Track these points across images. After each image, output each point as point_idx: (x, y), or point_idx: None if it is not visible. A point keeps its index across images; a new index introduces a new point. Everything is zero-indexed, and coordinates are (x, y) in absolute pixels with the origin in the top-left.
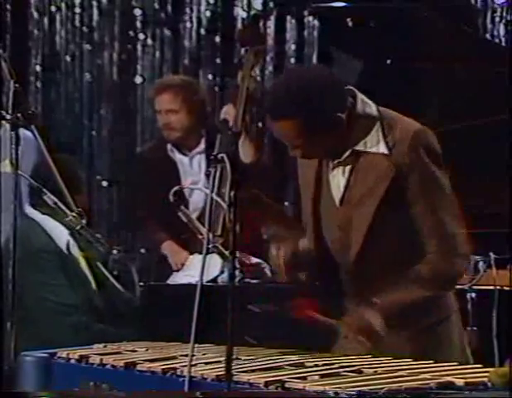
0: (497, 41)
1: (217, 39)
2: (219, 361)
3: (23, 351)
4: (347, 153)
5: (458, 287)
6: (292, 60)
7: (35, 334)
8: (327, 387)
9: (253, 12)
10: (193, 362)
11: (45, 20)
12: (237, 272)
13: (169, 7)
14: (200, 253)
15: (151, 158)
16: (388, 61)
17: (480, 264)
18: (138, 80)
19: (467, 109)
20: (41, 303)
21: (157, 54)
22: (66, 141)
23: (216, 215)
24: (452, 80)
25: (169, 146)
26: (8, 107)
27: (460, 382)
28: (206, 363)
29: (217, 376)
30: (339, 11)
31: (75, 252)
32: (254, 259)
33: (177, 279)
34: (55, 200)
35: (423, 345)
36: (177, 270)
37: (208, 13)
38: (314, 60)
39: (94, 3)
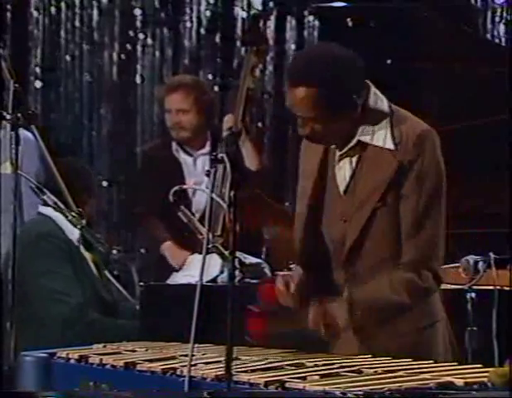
0: (497, 41)
1: (217, 39)
2: (219, 361)
3: (21, 334)
4: (353, 143)
5: (458, 287)
6: None
7: (32, 317)
8: (327, 387)
9: (254, 12)
10: (193, 362)
11: (46, 20)
12: (237, 272)
13: (169, 7)
14: (200, 253)
15: (155, 157)
16: (389, 61)
17: (480, 264)
18: (138, 79)
19: (467, 109)
20: (40, 287)
21: (157, 54)
22: (66, 141)
23: (216, 215)
24: (452, 80)
25: (174, 145)
26: (8, 107)
27: (460, 382)
28: (206, 363)
29: (217, 376)
30: (339, 11)
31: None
32: (254, 259)
33: (177, 279)
34: (55, 200)
35: (405, 350)
36: (177, 270)
37: (208, 13)
38: None
39: (94, 3)
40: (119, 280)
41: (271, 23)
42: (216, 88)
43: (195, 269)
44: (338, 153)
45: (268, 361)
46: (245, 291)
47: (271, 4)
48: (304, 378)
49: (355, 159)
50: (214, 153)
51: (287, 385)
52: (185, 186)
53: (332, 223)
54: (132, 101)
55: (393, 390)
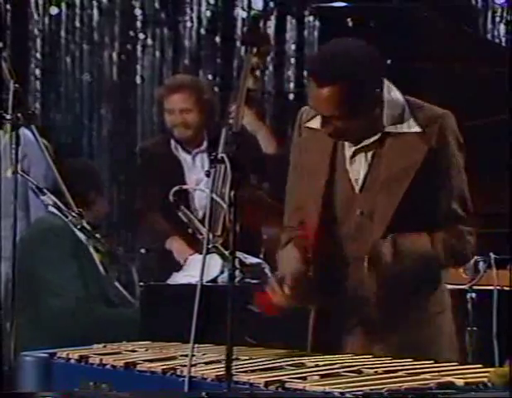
0: (497, 41)
1: (217, 39)
2: (219, 361)
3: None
4: (376, 136)
5: (457, 287)
6: (292, 61)
7: (37, 309)
8: (327, 387)
9: (254, 13)
10: (193, 362)
11: (46, 20)
12: (237, 272)
13: (169, 7)
14: (200, 253)
15: (154, 154)
16: (389, 61)
17: (480, 264)
18: (138, 79)
19: (467, 109)
20: (43, 280)
21: (157, 54)
22: (66, 141)
23: (217, 215)
24: (452, 80)
25: (173, 143)
26: (8, 107)
27: (460, 382)
28: (206, 363)
29: (217, 376)
30: (339, 11)
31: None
32: (255, 259)
33: (177, 279)
34: (55, 200)
35: (414, 336)
36: (177, 270)
37: (208, 13)
38: None
39: (94, 3)
40: (119, 280)
41: (271, 23)
42: (216, 88)
43: (195, 269)
44: (352, 149)
45: (268, 361)
46: (245, 291)
47: (271, 4)
48: (304, 378)
49: (370, 154)
50: (214, 153)
51: (287, 385)
52: (185, 187)
53: (347, 219)
54: (132, 101)
55: (393, 390)
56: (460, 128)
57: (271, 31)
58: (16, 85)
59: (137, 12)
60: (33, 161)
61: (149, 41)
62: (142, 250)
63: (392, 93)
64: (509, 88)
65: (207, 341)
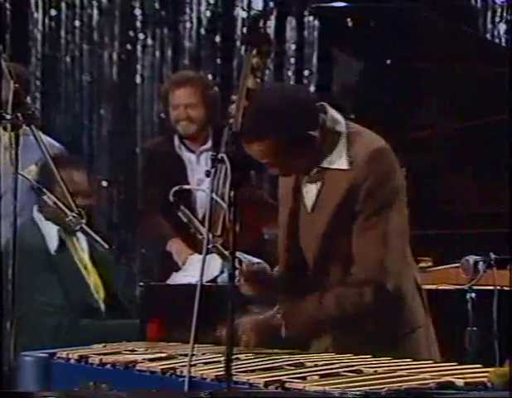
0: (497, 41)
1: (217, 39)
2: (219, 361)
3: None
4: (314, 171)
5: (458, 287)
6: (292, 60)
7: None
8: (327, 387)
9: (254, 12)
10: (193, 362)
11: (46, 20)
12: (237, 272)
13: (169, 7)
14: (201, 253)
15: (157, 154)
16: (388, 61)
17: (480, 264)
18: (138, 79)
19: (467, 109)
20: (27, 301)
21: (157, 54)
22: (66, 141)
23: (217, 215)
24: (452, 80)
25: (176, 142)
26: (8, 107)
27: (460, 382)
28: (206, 363)
29: (217, 376)
30: (339, 11)
31: (72, 252)
32: (255, 259)
33: (177, 279)
34: (55, 200)
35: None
36: (177, 270)
37: (208, 13)
38: (314, 60)
39: (94, 3)
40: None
41: (271, 23)
42: (216, 88)
43: (195, 269)
44: (303, 180)
45: (268, 361)
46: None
47: (271, 4)
48: (304, 378)
49: (319, 183)
50: (215, 153)
51: (287, 385)
52: (185, 187)
53: (306, 239)
54: (132, 101)
55: (393, 390)
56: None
57: (271, 31)
58: (16, 85)
59: (137, 12)
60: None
61: (149, 41)
62: (143, 250)
63: (336, 125)
64: (509, 88)
65: (207, 341)
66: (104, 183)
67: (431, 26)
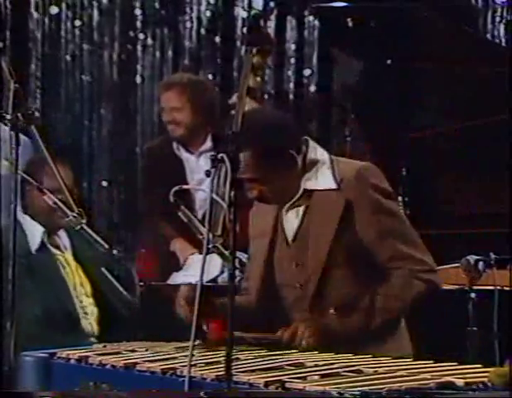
0: (497, 41)
1: (217, 39)
2: (219, 362)
3: None
4: (299, 193)
5: (458, 287)
6: (292, 60)
7: None
8: (327, 387)
9: (254, 12)
10: (193, 362)
11: (46, 20)
12: (237, 272)
13: (169, 7)
14: (201, 253)
15: (157, 155)
16: (389, 61)
17: (480, 264)
18: (138, 79)
19: (467, 109)
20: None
21: (157, 54)
22: (66, 141)
23: (217, 215)
24: (452, 80)
25: (175, 143)
26: (8, 107)
27: (460, 382)
28: (206, 363)
29: (217, 376)
30: (339, 11)
31: (51, 252)
32: None
33: (177, 279)
34: (55, 200)
35: None
36: (177, 270)
37: (208, 13)
38: (314, 60)
39: (94, 3)
40: (119, 280)
41: (271, 23)
42: (216, 88)
43: (195, 269)
44: (286, 206)
45: (268, 361)
46: None
47: (271, 4)
48: (304, 378)
49: (301, 209)
50: (215, 153)
51: (287, 385)
52: (185, 187)
53: (283, 270)
54: (132, 101)
55: (393, 390)
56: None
57: (271, 31)
58: (16, 85)
59: (137, 12)
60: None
61: (149, 41)
62: (142, 250)
63: (318, 154)
64: (509, 88)
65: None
66: (104, 183)
67: (431, 26)
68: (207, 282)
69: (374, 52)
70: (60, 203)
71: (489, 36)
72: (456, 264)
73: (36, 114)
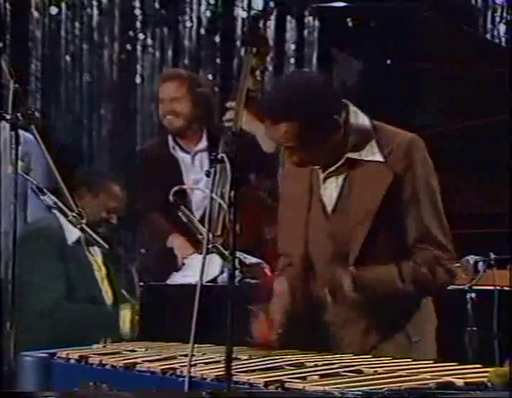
0: (497, 41)
1: (217, 39)
2: (219, 361)
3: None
4: (341, 161)
5: (458, 287)
6: (292, 60)
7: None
8: (327, 387)
9: (254, 12)
10: (193, 362)
11: (46, 20)
12: (237, 272)
13: (169, 7)
14: (200, 253)
15: (153, 155)
16: (389, 61)
17: (480, 264)
18: (138, 79)
19: (467, 109)
20: (27, 283)
21: (157, 54)
22: (66, 141)
23: (216, 215)
24: (452, 80)
25: (171, 143)
26: (8, 107)
27: (460, 382)
28: (206, 363)
29: (217, 376)
30: (339, 11)
31: (87, 251)
32: (254, 259)
33: (177, 279)
34: (55, 200)
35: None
36: (177, 270)
37: (208, 13)
38: (314, 60)
39: (94, 3)
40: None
41: (271, 23)
42: (216, 88)
43: (195, 270)
44: (323, 174)
45: (268, 361)
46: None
47: (271, 4)
48: (304, 378)
49: (341, 178)
50: (214, 153)
51: (287, 385)
52: (184, 187)
53: (319, 243)
54: (132, 101)
55: (393, 390)
56: (429, 150)
57: (271, 31)
58: (16, 85)
59: (137, 12)
60: (34, 159)
61: (149, 41)
62: (142, 250)
63: (358, 118)
64: (509, 88)
65: (207, 341)
66: None
67: (431, 26)
68: (207, 282)
69: (374, 52)
70: (59, 203)
71: (489, 36)
72: (457, 264)
73: (36, 113)
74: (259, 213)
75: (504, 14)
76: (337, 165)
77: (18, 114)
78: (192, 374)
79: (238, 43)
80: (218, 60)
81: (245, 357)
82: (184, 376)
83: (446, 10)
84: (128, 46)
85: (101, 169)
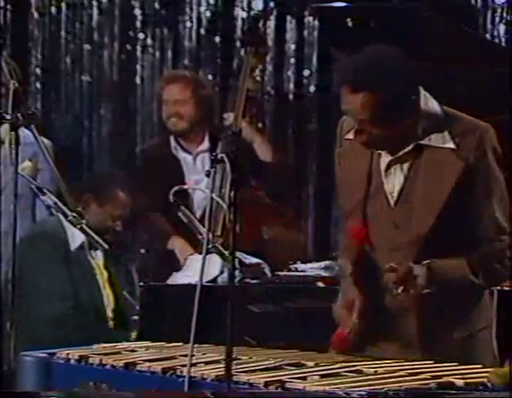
0: (497, 41)
1: (217, 39)
2: (219, 361)
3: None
4: (410, 147)
5: None
6: (292, 60)
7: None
8: (327, 387)
9: (254, 12)
10: (193, 362)
11: (46, 20)
12: (237, 272)
13: (169, 7)
14: (200, 253)
15: (154, 156)
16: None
17: None
18: (138, 80)
19: (467, 109)
20: (32, 286)
21: (157, 54)
22: (66, 141)
23: (216, 215)
24: (452, 80)
25: (173, 143)
26: (8, 107)
27: (460, 382)
28: (206, 363)
29: (217, 376)
30: (339, 11)
31: (90, 255)
32: (254, 259)
33: (177, 279)
34: (55, 200)
35: (458, 354)
36: (177, 270)
37: (208, 13)
38: (314, 60)
39: (94, 3)
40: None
41: (271, 23)
42: (216, 88)
43: (195, 270)
44: (387, 159)
45: (268, 361)
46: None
47: (271, 4)
48: (304, 378)
49: (406, 165)
50: (214, 153)
51: (287, 385)
52: (185, 187)
53: (382, 231)
54: (132, 101)
55: (394, 390)
56: (499, 138)
57: (271, 31)
58: (16, 85)
59: (137, 12)
60: (42, 160)
61: (149, 41)
62: (142, 250)
63: (428, 103)
64: (509, 88)
65: (207, 341)
66: None
67: (431, 26)
68: (207, 282)
69: None
70: (59, 203)
71: (489, 36)
72: None
73: (36, 113)
74: (259, 213)
75: (504, 14)
76: (405, 151)
77: (18, 114)
78: (192, 374)
79: (238, 43)
80: (218, 60)
81: (245, 357)
82: (184, 376)
83: (446, 10)
84: (128, 46)
85: (107, 175)
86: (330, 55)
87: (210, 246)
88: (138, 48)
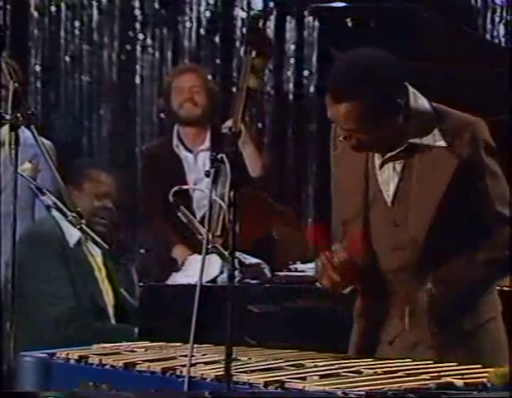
0: (497, 41)
1: (217, 39)
2: (219, 361)
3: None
4: (402, 147)
5: None
6: (292, 60)
7: (25, 318)
8: (327, 387)
9: (254, 13)
10: (192, 362)
11: (46, 20)
12: (237, 272)
13: (169, 7)
14: (200, 253)
15: (156, 155)
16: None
17: None
18: (138, 80)
19: (467, 108)
20: (32, 288)
21: (157, 54)
22: (66, 141)
23: (216, 215)
24: (452, 80)
25: (175, 141)
26: (8, 107)
27: (460, 382)
28: (206, 363)
29: (216, 376)
30: (339, 11)
31: (88, 252)
32: (254, 260)
33: (177, 279)
34: (55, 200)
35: (472, 345)
36: (177, 270)
37: (208, 13)
38: (314, 60)
39: (94, 3)
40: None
41: (271, 23)
42: (216, 88)
43: (195, 270)
44: (379, 160)
45: (268, 361)
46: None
47: (271, 4)
48: (304, 378)
49: (399, 164)
50: (214, 153)
51: (286, 385)
52: (185, 187)
53: (380, 231)
54: (132, 101)
55: (394, 390)
56: (492, 132)
57: (271, 31)
58: (16, 85)
59: (137, 12)
60: (43, 161)
61: (149, 41)
62: (142, 250)
63: (418, 101)
64: (509, 88)
65: (207, 341)
66: None
67: (431, 26)
68: (207, 282)
69: None
70: (59, 203)
71: (489, 36)
72: None
73: (36, 113)
74: (259, 213)
75: (504, 14)
76: (397, 150)
77: (18, 115)
78: (192, 374)
79: (238, 43)
80: (218, 60)
81: (245, 357)
82: (183, 376)
83: (446, 10)
84: (128, 46)
85: (75, 162)
86: (330, 56)
87: (209, 246)
88: (138, 48)
